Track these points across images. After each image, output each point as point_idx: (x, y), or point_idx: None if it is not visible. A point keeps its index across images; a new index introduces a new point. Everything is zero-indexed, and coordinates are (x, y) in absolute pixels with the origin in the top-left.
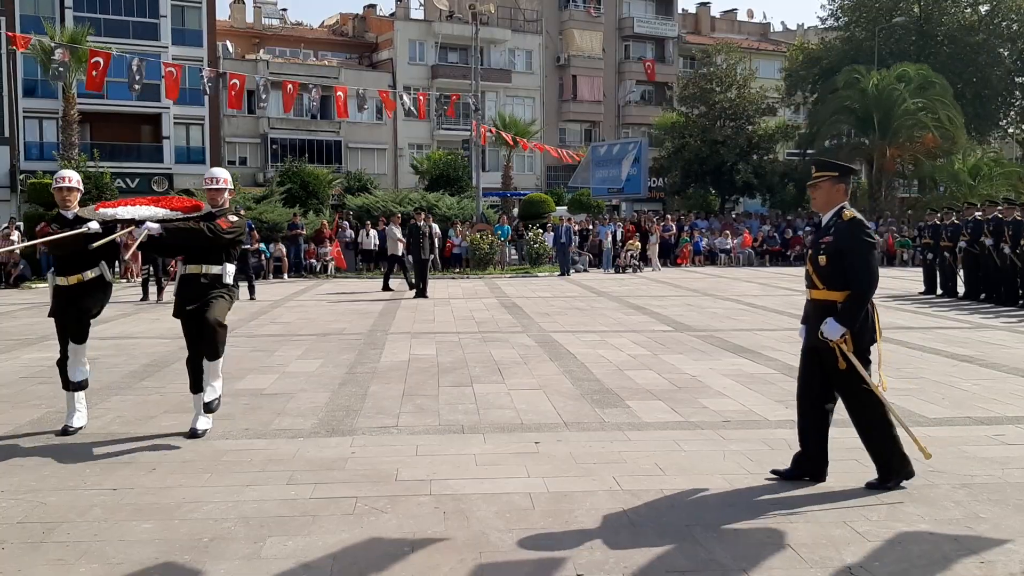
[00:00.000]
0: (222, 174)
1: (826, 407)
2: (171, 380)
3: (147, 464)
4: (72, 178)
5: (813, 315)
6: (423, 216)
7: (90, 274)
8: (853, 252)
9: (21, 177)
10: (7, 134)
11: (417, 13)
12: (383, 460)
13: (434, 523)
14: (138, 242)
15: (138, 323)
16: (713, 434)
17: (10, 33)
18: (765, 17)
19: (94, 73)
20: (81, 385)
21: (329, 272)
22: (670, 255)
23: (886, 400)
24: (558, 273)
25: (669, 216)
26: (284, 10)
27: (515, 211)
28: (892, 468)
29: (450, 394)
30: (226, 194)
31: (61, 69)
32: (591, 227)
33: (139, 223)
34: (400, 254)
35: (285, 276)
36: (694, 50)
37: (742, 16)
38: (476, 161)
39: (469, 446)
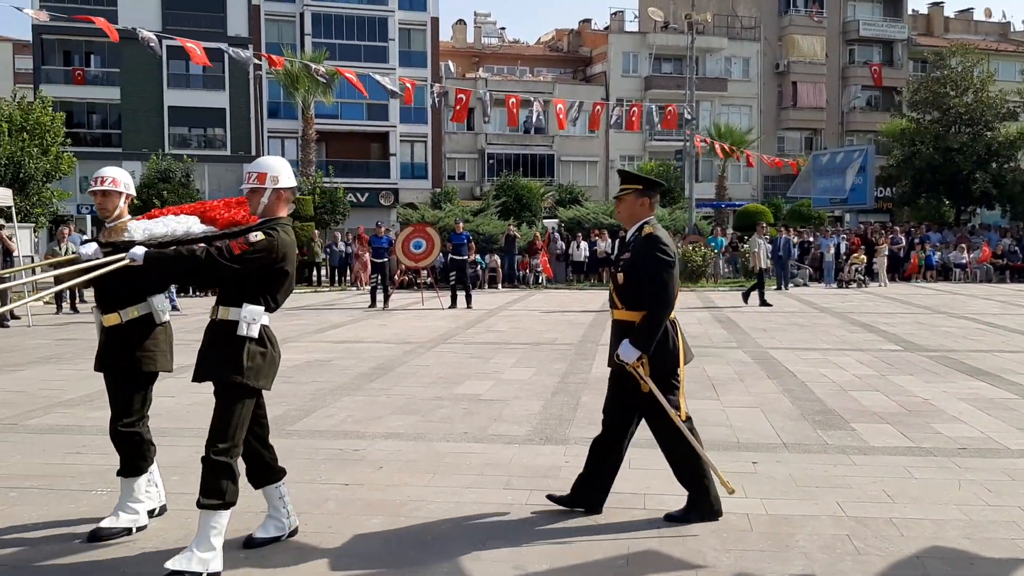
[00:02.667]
0: (265, 166)
1: (625, 434)
2: (397, 383)
3: (375, 462)
4: (111, 178)
5: (614, 336)
6: None
7: (133, 312)
8: (647, 270)
9: None
10: (253, 152)
11: (632, 25)
12: None
13: (649, 537)
14: (109, 268)
15: (367, 328)
16: (947, 461)
17: (263, 54)
18: (1004, 16)
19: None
20: (103, 535)
21: (540, 283)
22: (899, 269)
23: (684, 429)
24: (775, 287)
25: (898, 228)
26: (502, 29)
27: (730, 222)
28: (694, 502)
29: None
30: (265, 197)
31: (324, 82)
32: (811, 239)
33: (186, 240)
34: (764, 267)
35: (499, 286)
36: (926, 52)
37: (979, 15)
38: (689, 172)
39: None
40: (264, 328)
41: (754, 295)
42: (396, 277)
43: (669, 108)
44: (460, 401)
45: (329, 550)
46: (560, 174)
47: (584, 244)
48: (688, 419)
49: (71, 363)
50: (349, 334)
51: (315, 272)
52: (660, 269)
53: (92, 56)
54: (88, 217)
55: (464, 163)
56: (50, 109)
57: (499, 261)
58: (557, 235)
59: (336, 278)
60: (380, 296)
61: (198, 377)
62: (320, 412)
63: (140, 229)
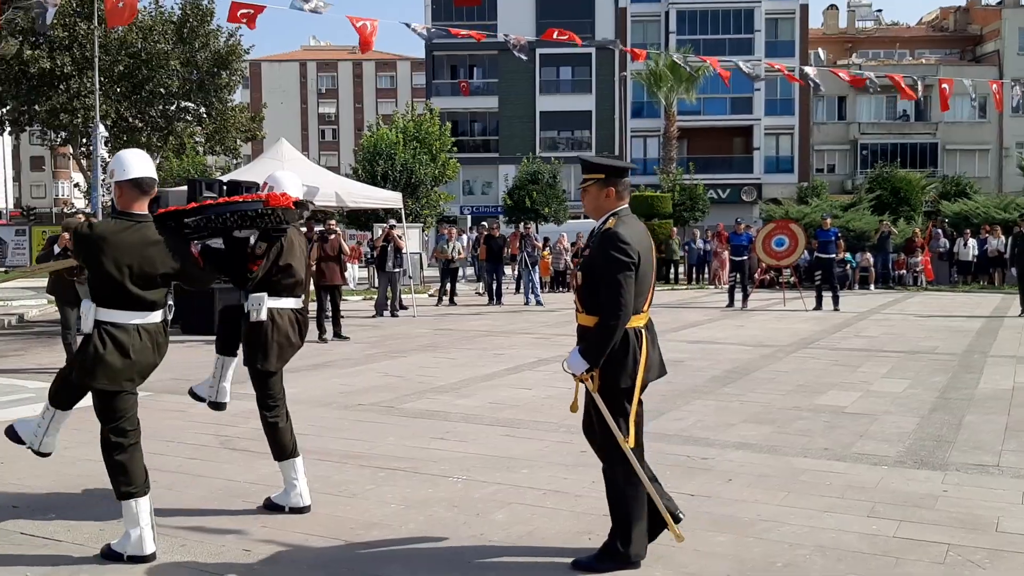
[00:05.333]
0: (116, 159)
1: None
2: (752, 388)
3: (724, 473)
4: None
5: (578, 343)
6: None
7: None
8: (601, 271)
9: None
10: (616, 152)
11: None
12: (981, 504)
13: None
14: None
15: (723, 328)
16: None
17: (628, 48)
18: None
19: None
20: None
21: (920, 284)
22: None
23: (632, 458)
24: None
25: None
26: (879, 11)
27: None
28: (610, 549)
29: None
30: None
31: (690, 75)
32: None
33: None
34: None
35: (872, 287)
36: None
37: None
38: None
39: None
40: (102, 326)
41: None
42: (756, 276)
43: None
44: (821, 413)
45: (668, 566)
46: (944, 164)
47: (972, 242)
48: (639, 447)
49: (446, 352)
50: (704, 334)
51: (672, 270)
52: (613, 270)
53: (475, 69)
54: (469, 217)
55: (834, 155)
56: (437, 120)
57: (871, 260)
58: (940, 232)
59: (694, 276)
60: (739, 295)
61: None
62: (670, 414)
63: None
